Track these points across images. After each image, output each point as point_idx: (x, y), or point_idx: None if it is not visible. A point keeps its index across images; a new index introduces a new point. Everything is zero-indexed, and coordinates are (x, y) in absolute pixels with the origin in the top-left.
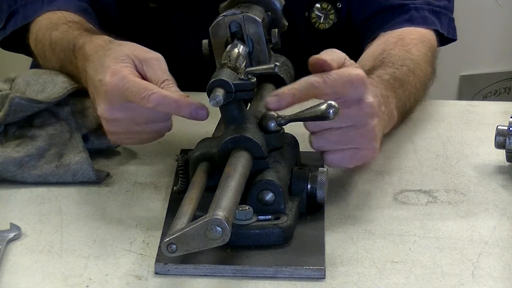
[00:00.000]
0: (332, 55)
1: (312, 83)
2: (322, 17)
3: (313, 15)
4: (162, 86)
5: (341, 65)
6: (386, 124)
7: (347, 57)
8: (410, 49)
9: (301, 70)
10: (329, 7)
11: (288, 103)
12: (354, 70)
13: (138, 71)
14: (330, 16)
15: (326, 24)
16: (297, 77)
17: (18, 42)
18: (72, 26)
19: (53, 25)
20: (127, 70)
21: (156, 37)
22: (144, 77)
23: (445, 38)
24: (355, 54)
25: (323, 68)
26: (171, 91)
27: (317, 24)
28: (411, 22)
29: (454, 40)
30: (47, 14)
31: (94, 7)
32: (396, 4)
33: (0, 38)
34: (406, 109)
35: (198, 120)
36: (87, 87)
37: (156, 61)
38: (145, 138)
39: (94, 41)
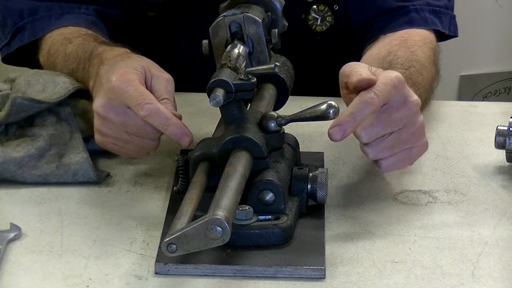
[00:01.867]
0: (362, 68)
1: (367, 101)
2: (319, 19)
3: (309, 17)
4: (160, 103)
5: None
6: None
7: (369, 66)
8: (415, 51)
9: (299, 71)
10: (325, 9)
11: (352, 129)
12: (391, 73)
13: (146, 83)
14: (327, 18)
15: (323, 26)
16: (296, 78)
17: (22, 57)
18: (87, 39)
19: (66, 40)
20: (135, 76)
21: (157, 43)
22: (149, 90)
23: (446, 35)
24: (353, 56)
25: (370, 85)
26: (167, 108)
27: (314, 26)
28: (411, 24)
29: (455, 36)
30: (58, 30)
31: (103, 19)
32: (396, 6)
33: (4, 54)
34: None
35: (180, 144)
36: (92, 89)
37: (165, 81)
38: (130, 150)
39: (114, 49)
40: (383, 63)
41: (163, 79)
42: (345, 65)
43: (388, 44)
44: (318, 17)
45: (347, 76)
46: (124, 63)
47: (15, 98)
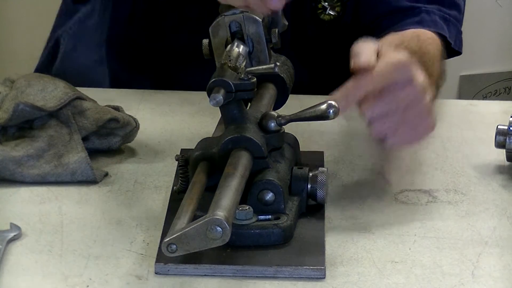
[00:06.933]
0: (366, 50)
1: (360, 84)
2: (328, 8)
3: (319, 5)
4: None
5: (378, 53)
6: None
7: (379, 43)
8: (427, 46)
9: (306, 60)
10: None
11: (344, 108)
12: (396, 54)
13: None
14: (336, 8)
15: (331, 16)
16: (303, 67)
17: None
18: None
19: None
20: None
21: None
22: None
23: (450, 49)
24: None
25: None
26: None
27: (322, 15)
28: (421, 24)
29: (459, 53)
30: None
31: None
32: (407, 6)
33: None
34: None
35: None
36: None
37: None
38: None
39: None
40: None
41: None
42: (357, 42)
43: (402, 35)
44: (327, 6)
45: (353, 56)
46: None
47: (18, 104)
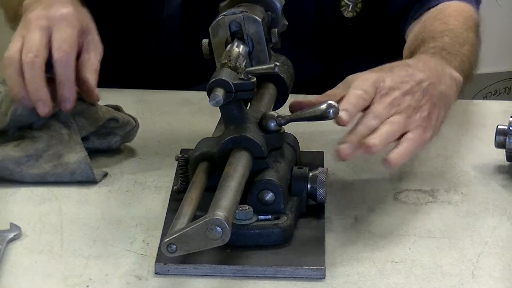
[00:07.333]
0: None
1: (359, 95)
2: (351, 6)
3: (342, 3)
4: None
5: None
6: (447, 85)
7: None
8: (447, 21)
9: (329, 58)
10: None
11: (354, 112)
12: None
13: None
14: (358, 5)
15: (354, 13)
16: (321, 64)
17: None
18: None
19: None
20: (76, 23)
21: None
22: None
23: None
24: (383, 42)
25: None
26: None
27: (346, 12)
28: None
29: None
30: None
31: None
32: None
33: None
34: (465, 73)
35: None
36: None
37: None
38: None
39: None
40: (416, 41)
41: (98, 47)
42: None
43: (426, 19)
44: (350, 3)
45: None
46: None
47: (16, 109)
